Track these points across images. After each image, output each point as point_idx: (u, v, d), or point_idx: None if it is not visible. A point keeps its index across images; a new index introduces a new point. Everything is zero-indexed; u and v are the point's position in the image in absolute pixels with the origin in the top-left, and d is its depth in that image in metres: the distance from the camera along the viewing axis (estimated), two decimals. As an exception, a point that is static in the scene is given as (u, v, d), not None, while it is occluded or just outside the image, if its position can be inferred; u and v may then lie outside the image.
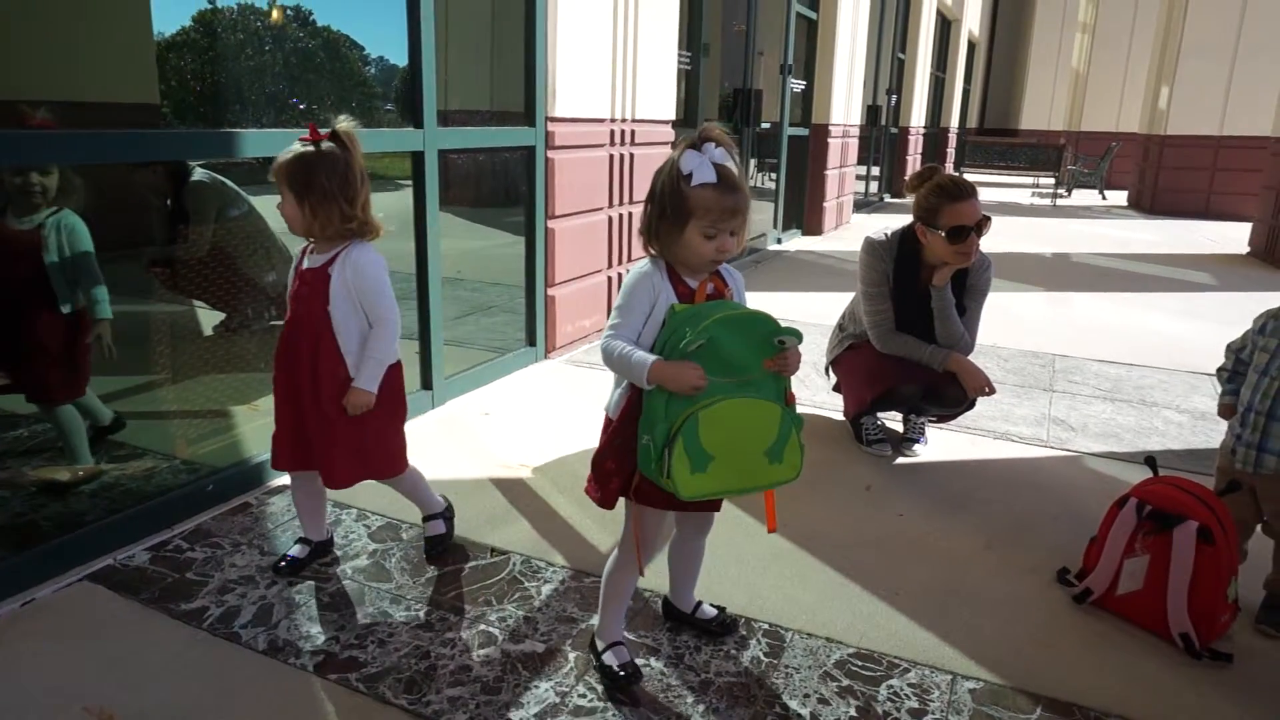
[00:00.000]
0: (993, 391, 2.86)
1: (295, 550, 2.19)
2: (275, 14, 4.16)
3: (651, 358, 1.55)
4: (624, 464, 1.65)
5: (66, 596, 2.02)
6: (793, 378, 1.63)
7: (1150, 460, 2.17)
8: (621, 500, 1.71)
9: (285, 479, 2.64)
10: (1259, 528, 2.15)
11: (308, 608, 2.01)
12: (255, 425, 2.89)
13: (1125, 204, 13.87)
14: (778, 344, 1.58)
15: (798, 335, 1.59)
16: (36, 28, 3.00)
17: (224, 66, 3.90)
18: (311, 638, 1.89)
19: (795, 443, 1.63)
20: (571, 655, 1.87)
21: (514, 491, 2.70)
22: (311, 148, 1.92)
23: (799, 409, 1.67)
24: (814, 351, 4.20)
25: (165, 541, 2.27)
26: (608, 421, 1.72)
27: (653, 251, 1.66)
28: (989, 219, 2.82)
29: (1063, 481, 2.95)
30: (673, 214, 1.58)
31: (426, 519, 2.31)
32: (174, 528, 2.33)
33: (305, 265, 2.01)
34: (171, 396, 3.08)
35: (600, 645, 1.82)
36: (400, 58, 3.26)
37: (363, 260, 1.97)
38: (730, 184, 1.58)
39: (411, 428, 3.10)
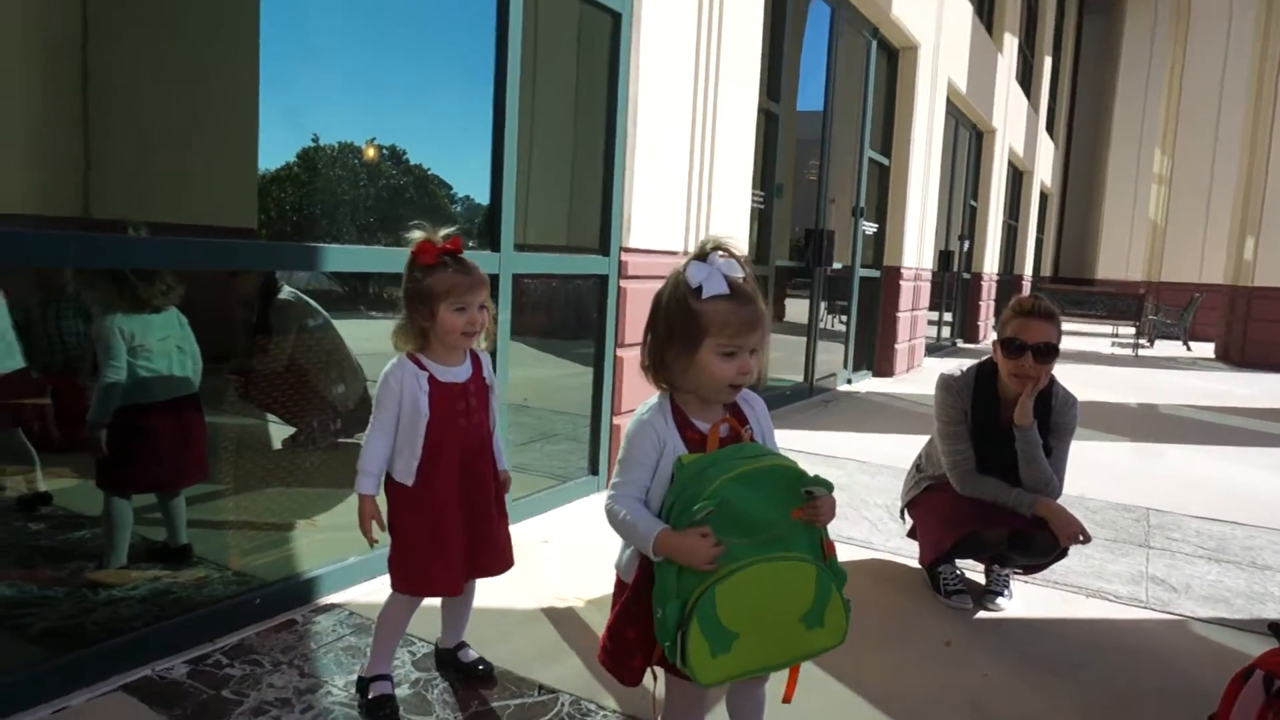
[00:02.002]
0: (1088, 539, 2.65)
1: (384, 689, 2.04)
2: (371, 152, 4.41)
3: (658, 527, 1.36)
4: (645, 634, 1.44)
5: (98, 707, 1.95)
6: (865, 521, 1.47)
7: (1276, 628, 1.95)
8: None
9: (336, 596, 2.57)
10: None
11: (342, 739, 1.89)
12: (310, 540, 2.86)
13: (1212, 356, 13.40)
14: (806, 495, 1.38)
15: (827, 486, 1.39)
16: (153, 155, 3.22)
17: (320, 198, 4.10)
18: (343, 773, 1.77)
19: (838, 602, 1.40)
20: (619, 813, 1.69)
21: (567, 625, 2.56)
22: None
23: (870, 555, 1.49)
24: (887, 494, 4.01)
25: (206, 655, 2.20)
26: (619, 583, 1.54)
27: (662, 386, 1.49)
28: (1056, 350, 2.69)
29: (1168, 648, 2.67)
30: (683, 334, 1.40)
31: (460, 646, 2.21)
32: (216, 641, 2.26)
33: (450, 379, 1.97)
34: (231, 506, 3.07)
35: None
36: (483, 196, 3.39)
37: (488, 360, 2.09)
38: (745, 295, 1.41)
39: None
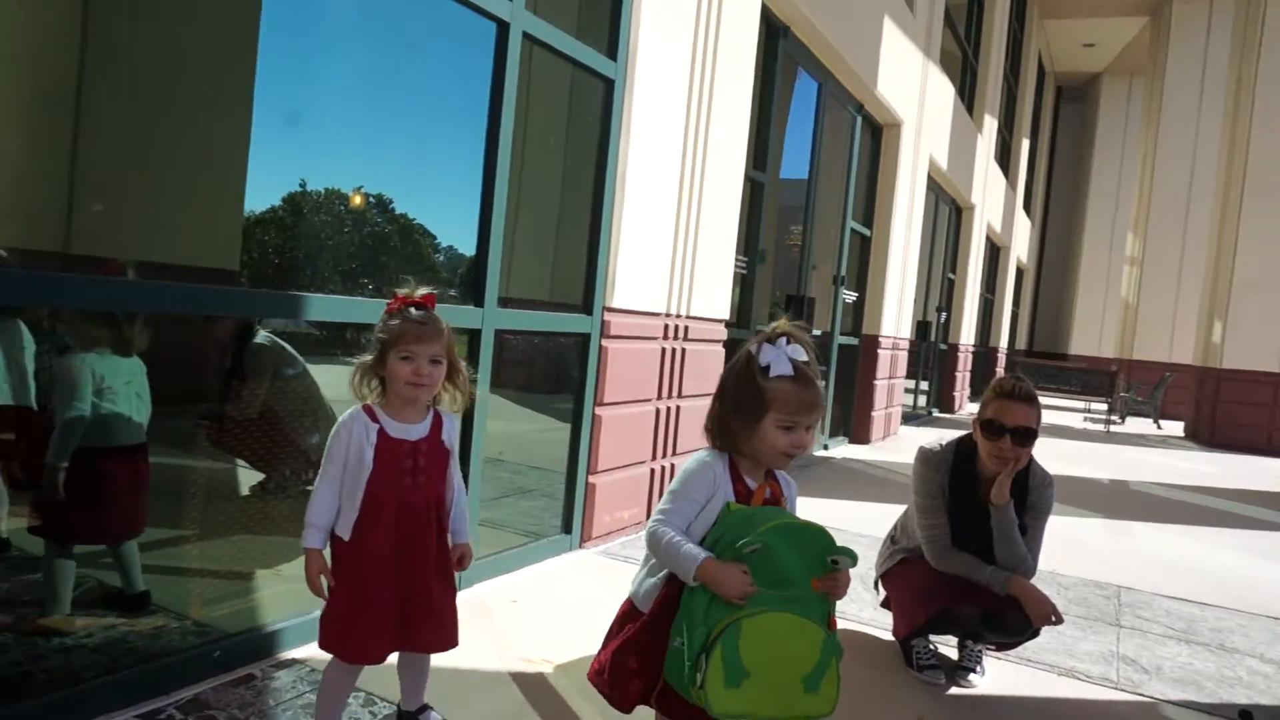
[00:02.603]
0: (1060, 620, 2.65)
1: None
2: (357, 199, 4.44)
3: (703, 553, 1.48)
4: (649, 665, 1.53)
5: (42, 765, 1.87)
6: (849, 581, 1.53)
7: (1246, 715, 1.94)
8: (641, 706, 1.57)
9: (298, 652, 2.50)
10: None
11: (295, 803, 1.82)
12: (275, 591, 2.79)
13: (1182, 434, 13.57)
14: (830, 563, 1.51)
15: (852, 556, 1.51)
16: (139, 194, 3.22)
17: (303, 243, 4.11)
18: (293, 840, 1.70)
19: (834, 674, 1.51)
20: None
21: (533, 689, 2.51)
22: None
23: (842, 625, 1.56)
24: (862, 564, 3.99)
25: (159, 710, 2.12)
26: (631, 610, 1.61)
27: (718, 445, 1.63)
28: (1035, 434, 2.72)
29: (1138, 731, 2.65)
30: (748, 407, 1.56)
31: (423, 708, 2.14)
32: (171, 694, 2.19)
33: (401, 435, 1.92)
34: (195, 553, 3.00)
35: None
36: (468, 247, 3.40)
37: (454, 423, 2.03)
38: (808, 378, 1.58)
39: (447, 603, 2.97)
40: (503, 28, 3.20)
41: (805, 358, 1.59)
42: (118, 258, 3.03)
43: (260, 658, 2.45)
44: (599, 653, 1.64)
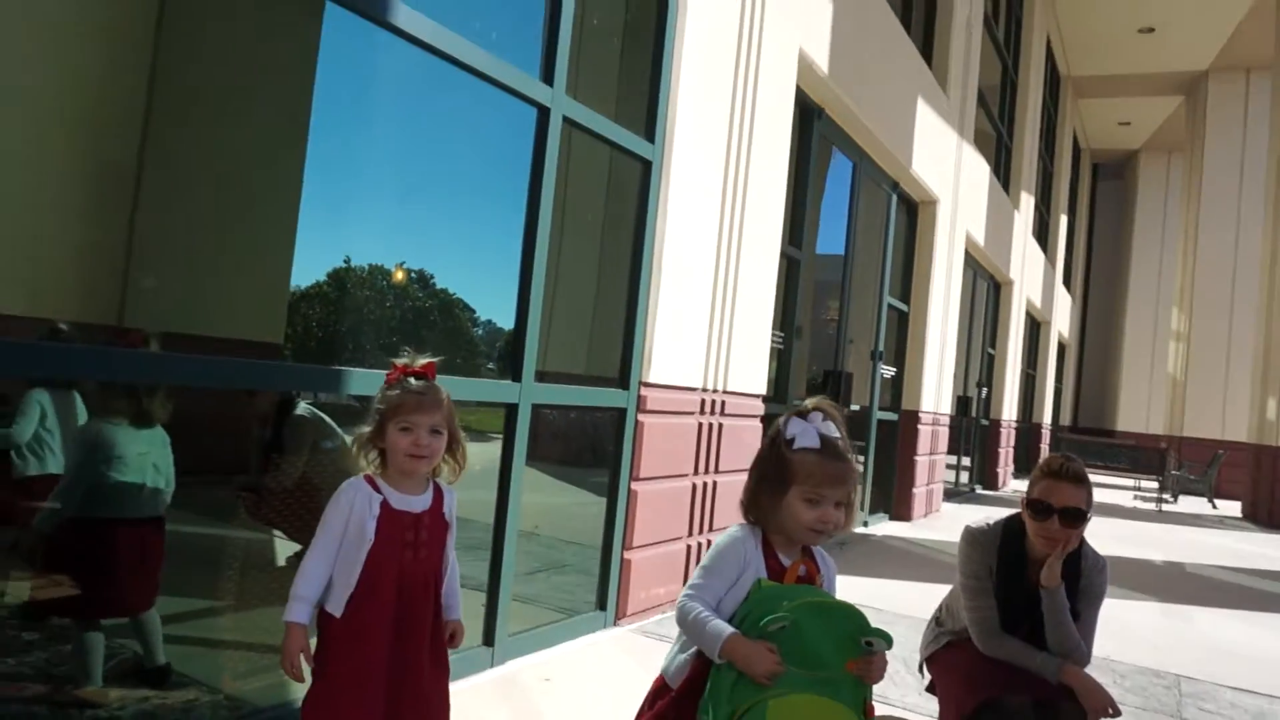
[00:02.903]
0: (1118, 713, 2.51)
1: None
2: (399, 274, 4.55)
3: (729, 630, 1.45)
4: None
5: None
6: (886, 665, 1.47)
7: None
8: None
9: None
10: None
11: None
12: (306, 666, 2.76)
13: (1239, 515, 13.08)
14: (865, 645, 1.46)
15: (888, 639, 1.47)
16: (191, 272, 3.33)
17: (346, 317, 4.21)
18: None
19: None
20: None
21: (566, 773, 2.43)
22: None
23: (886, 710, 1.50)
24: (905, 647, 3.86)
25: (186, 790, 2.09)
26: (662, 686, 1.58)
27: (750, 520, 1.62)
28: (1084, 514, 2.62)
29: (1207, 834, 2.49)
30: (774, 478, 1.56)
31: None
32: (199, 774, 2.16)
33: (404, 507, 1.85)
34: (230, 625, 3.00)
35: None
36: (506, 321, 3.45)
37: (453, 496, 1.97)
38: (834, 452, 1.58)
39: (467, 686, 2.92)
40: (543, 112, 3.30)
41: (836, 434, 1.60)
42: (170, 330, 3.13)
43: (290, 735, 2.41)
44: None
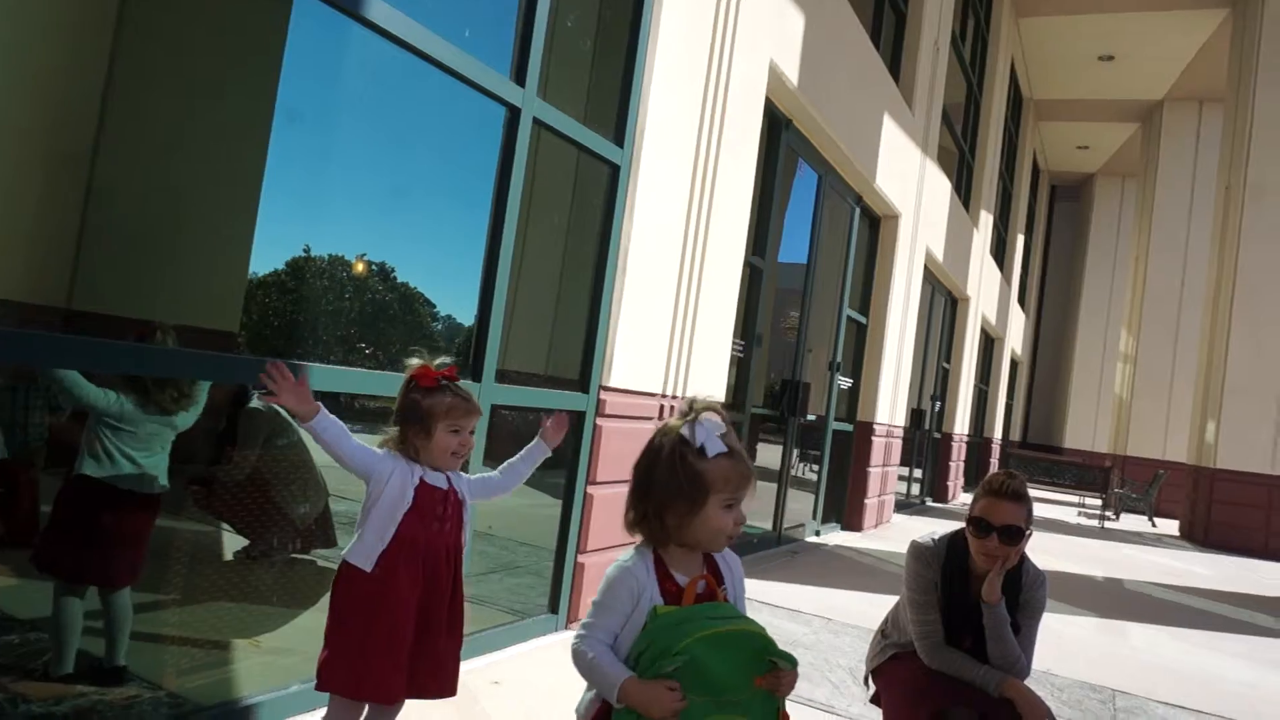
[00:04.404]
0: (1053, 725, 2.58)
1: None
2: (359, 266, 4.50)
3: (624, 675, 1.39)
4: None
5: (-3, 841, 1.80)
6: (828, 683, 1.47)
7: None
8: None
9: (268, 730, 2.43)
10: None
11: None
12: (252, 663, 2.73)
13: (1177, 533, 13.47)
14: (769, 663, 1.42)
15: (791, 661, 1.43)
16: (143, 252, 3.27)
17: (304, 307, 4.15)
18: None
19: None
20: None
21: (512, 777, 2.43)
22: None
23: (829, 718, 1.50)
24: (851, 655, 3.91)
25: (122, 788, 2.05)
26: None
27: (639, 539, 1.54)
28: (1023, 532, 2.69)
29: (1134, 846, 2.56)
30: (688, 494, 1.46)
31: None
32: (137, 772, 2.12)
33: (435, 483, 2.02)
34: (174, 619, 2.94)
35: None
36: (467, 317, 3.44)
37: (463, 479, 2.13)
38: (739, 452, 1.51)
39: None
40: (514, 112, 3.30)
41: (727, 429, 1.51)
42: (121, 314, 3.06)
43: (233, 733, 2.38)
44: None
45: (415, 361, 2.04)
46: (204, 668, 2.76)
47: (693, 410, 1.53)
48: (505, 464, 2.28)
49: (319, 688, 1.93)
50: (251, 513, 3.18)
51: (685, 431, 1.49)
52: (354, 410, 3.18)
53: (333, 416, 1.92)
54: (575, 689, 1.51)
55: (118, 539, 2.50)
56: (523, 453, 2.29)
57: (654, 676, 1.37)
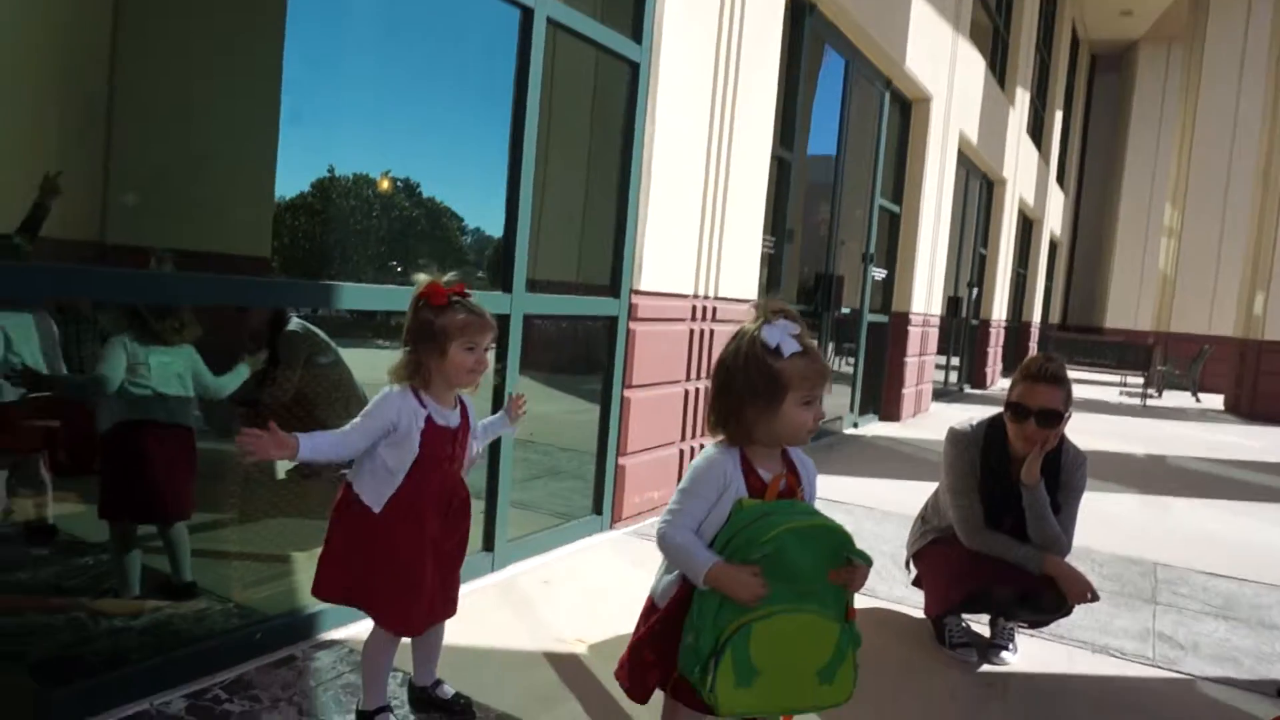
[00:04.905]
0: (1096, 598, 2.63)
1: (388, 719, 2.06)
2: (384, 183, 4.47)
3: (713, 558, 1.46)
4: (665, 657, 1.54)
5: (95, 743, 1.94)
6: (868, 575, 1.51)
7: (1282, 693, 1.92)
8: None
9: (337, 633, 2.56)
10: None
11: (337, 779, 1.87)
12: (311, 575, 2.84)
13: (1221, 408, 13.33)
14: (846, 560, 1.49)
15: (867, 559, 1.50)
16: (172, 181, 3.27)
17: (333, 229, 4.16)
18: (337, 815, 1.75)
19: (850, 663, 1.50)
20: None
21: (567, 668, 2.54)
22: None
23: (873, 604, 1.55)
24: (892, 542, 3.99)
25: (205, 690, 2.18)
26: (651, 606, 1.61)
27: (725, 439, 1.59)
28: (1061, 415, 2.68)
29: (1175, 708, 2.64)
30: (766, 392, 1.52)
31: (437, 683, 2.21)
32: (215, 675, 2.25)
33: (444, 423, 1.99)
34: (234, 537, 3.07)
35: None
36: (495, 229, 3.42)
37: (474, 407, 2.11)
38: (814, 350, 1.56)
39: (468, 591, 3.01)
40: (527, 14, 3.20)
41: (799, 329, 1.56)
42: (153, 245, 3.09)
43: (300, 639, 2.51)
44: (624, 652, 1.64)
45: (423, 278, 1.96)
46: (268, 580, 2.89)
47: (764, 312, 1.58)
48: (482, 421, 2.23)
49: (315, 593, 2.01)
50: (300, 432, 3.26)
51: (760, 334, 1.54)
52: (390, 328, 3.22)
53: (312, 436, 1.88)
54: (622, 583, 1.57)
55: (162, 476, 2.56)
56: (491, 420, 2.24)
57: (740, 563, 1.43)
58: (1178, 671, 2.91)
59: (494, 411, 3.19)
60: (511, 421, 2.25)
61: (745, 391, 1.54)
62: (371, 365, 3.66)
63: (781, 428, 1.54)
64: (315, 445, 1.88)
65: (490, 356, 2.03)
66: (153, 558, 2.58)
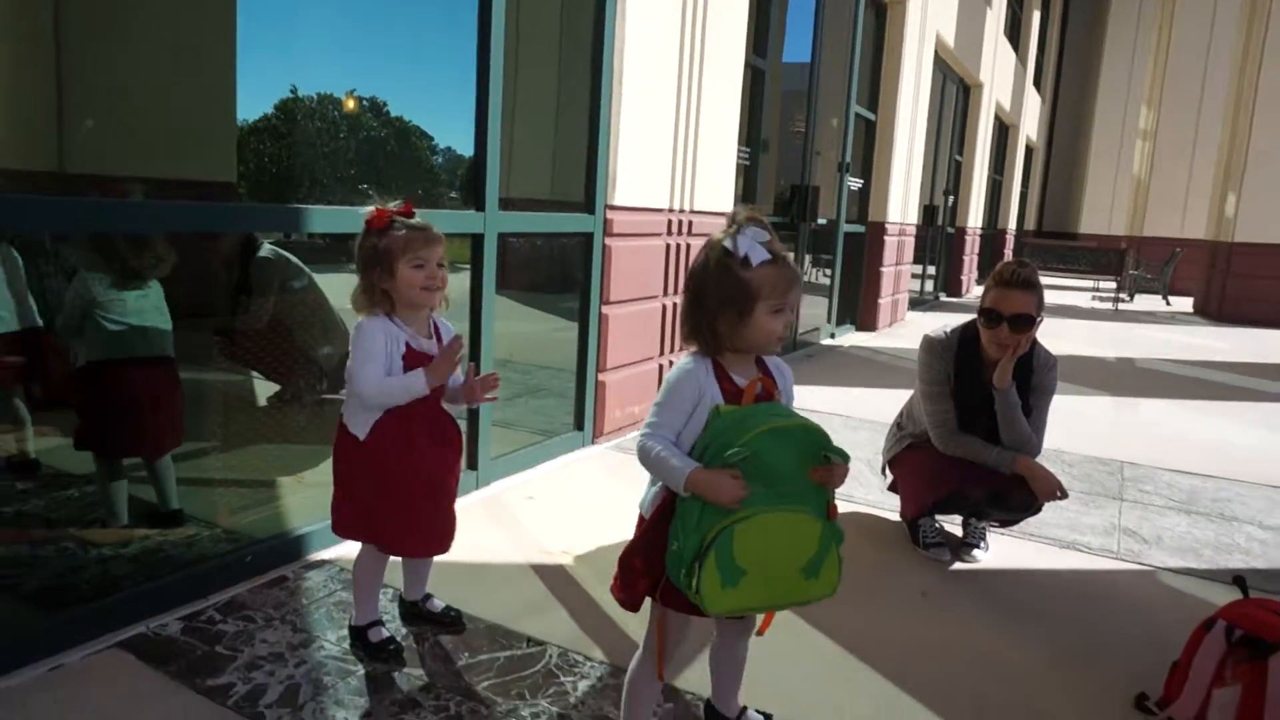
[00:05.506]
0: (1065, 496, 2.72)
1: (382, 633, 2.11)
2: (351, 103, 4.35)
3: (691, 465, 1.47)
4: (653, 565, 1.56)
5: (95, 664, 1.98)
6: (847, 473, 1.54)
7: (1240, 580, 2.01)
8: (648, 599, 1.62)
9: (327, 553, 2.61)
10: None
11: (335, 690, 1.93)
12: (299, 497, 2.88)
13: (1190, 310, 13.55)
14: (824, 458, 1.50)
15: (844, 456, 1.51)
16: (129, 107, 3.17)
17: (299, 151, 4.06)
18: (336, 724, 1.81)
19: (834, 558, 1.53)
20: (606, 759, 1.75)
21: (554, 579, 2.61)
22: None
23: (851, 508, 1.58)
24: (868, 449, 4.07)
25: (199, 612, 2.23)
26: (641, 521, 1.63)
27: (698, 349, 1.60)
28: (1033, 320, 2.72)
29: (1137, 598, 2.76)
30: (736, 302, 1.52)
31: (427, 597, 2.27)
32: (209, 598, 2.30)
33: (424, 350, 1.97)
34: (219, 464, 3.09)
35: None
36: (466, 148, 3.35)
37: (449, 328, 2.10)
38: (783, 258, 1.55)
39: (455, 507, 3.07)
40: (488, -84, 3.06)
41: (770, 237, 1.55)
42: (114, 173, 3.01)
43: (291, 560, 2.55)
44: (616, 567, 1.67)
45: (368, 208, 1.95)
46: (254, 505, 2.92)
47: (735, 222, 1.56)
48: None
49: (336, 531, 2.05)
50: (277, 359, 3.25)
51: (728, 243, 1.54)
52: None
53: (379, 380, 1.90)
54: (606, 496, 1.59)
55: (149, 412, 2.55)
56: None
57: (719, 467, 1.45)
58: (1141, 564, 3.03)
59: (473, 334, 3.21)
60: (471, 399, 2.10)
61: (716, 302, 1.54)
62: (347, 290, 3.63)
63: (752, 336, 1.54)
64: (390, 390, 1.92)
65: (444, 272, 1.97)
66: (138, 487, 2.59)
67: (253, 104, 3.64)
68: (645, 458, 1.55)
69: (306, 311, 3.38)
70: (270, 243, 3.33)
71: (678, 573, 1.48)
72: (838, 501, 1.57)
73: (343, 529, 2.05)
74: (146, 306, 2.49)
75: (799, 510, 1.48)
